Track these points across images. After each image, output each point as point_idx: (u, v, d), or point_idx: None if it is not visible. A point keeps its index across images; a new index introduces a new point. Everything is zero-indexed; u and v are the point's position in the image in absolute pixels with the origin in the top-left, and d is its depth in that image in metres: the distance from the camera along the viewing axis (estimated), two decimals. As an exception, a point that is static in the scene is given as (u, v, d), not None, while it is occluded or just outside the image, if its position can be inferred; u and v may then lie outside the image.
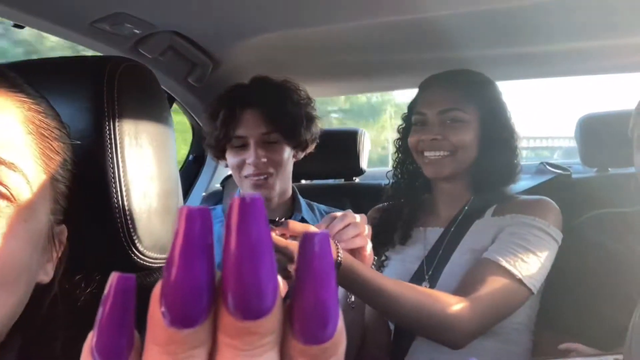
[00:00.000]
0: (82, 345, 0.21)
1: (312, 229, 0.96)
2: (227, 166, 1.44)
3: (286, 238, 0.93)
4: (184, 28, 1.24)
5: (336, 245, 0.95)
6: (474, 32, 1.37)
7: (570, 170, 1.66)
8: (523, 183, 1.42)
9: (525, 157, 1.34)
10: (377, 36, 1.40)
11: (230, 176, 1.81)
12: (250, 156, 1.30)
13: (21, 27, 1.07)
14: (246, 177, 1.34)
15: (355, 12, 1.24)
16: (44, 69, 0.62)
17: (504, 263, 1.10)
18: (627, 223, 1.25)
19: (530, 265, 1.11)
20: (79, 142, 0.54)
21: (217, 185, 1.94)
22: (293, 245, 0.93)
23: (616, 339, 1.07)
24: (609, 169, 1.62)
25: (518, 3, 1.19)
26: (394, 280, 1.04)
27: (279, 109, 1.31)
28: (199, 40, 1.32)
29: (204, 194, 1.93)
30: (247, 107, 1.31)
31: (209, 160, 1.97)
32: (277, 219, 1.00)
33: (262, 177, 1.32)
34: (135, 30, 1.11)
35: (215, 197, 1.80)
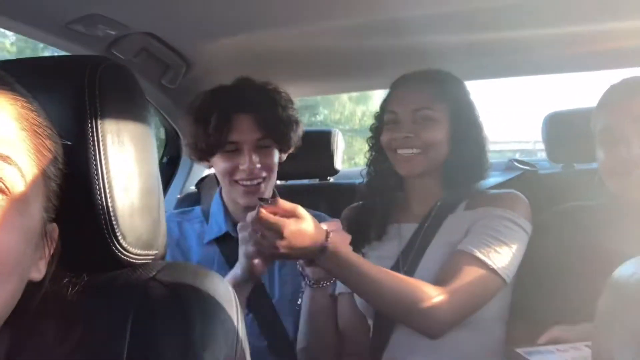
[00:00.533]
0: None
1: (300, 208, 1.00)
2: (209, 167, 1.44)
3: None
4: (158, 29, 1.24)
5: (326, 230, 1.01)
6: (445, 31, 1.40)
7: (537, 166, 1.72)
8: (493, 180, 1.46)
9: (491, 157, 1.37)
10: (350, 36, 1.43)
11: (205, 178, 1.81)
12: (244, 162, 1.30)
13: None
14: (237, 181, 1.33)
15: (328, 13, 1.26)
16: (25, 68, 0.62)
17: (478, 254, 1.14)
18: (593, 216, 1.30)
19: (503, 255, 1.15)
20: (69, 143, 0.54)
21: (192, 187, 1.93)
22: (282, 222, 0.97)
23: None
24: (575, 164, 1.67)
25: (487, 5, 1.22)
26: (378, 266, 1.08)
27: (271, 114, 1.32)
28: (172, 42, 1.32)
29: (178, 196, 1.92)
30: (240, 112, 1.30)
31: (184, 163, 1.97)
32: (267, 199, 1.03)
33: (255, 183, 1.32)
34: (110, 32, 1.11)
35: (191, 199, 1.79)
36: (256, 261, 1.10)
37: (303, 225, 0.99)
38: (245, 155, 1.30)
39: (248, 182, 1.32)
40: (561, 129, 1.62)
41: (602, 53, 1.61)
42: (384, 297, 1.09)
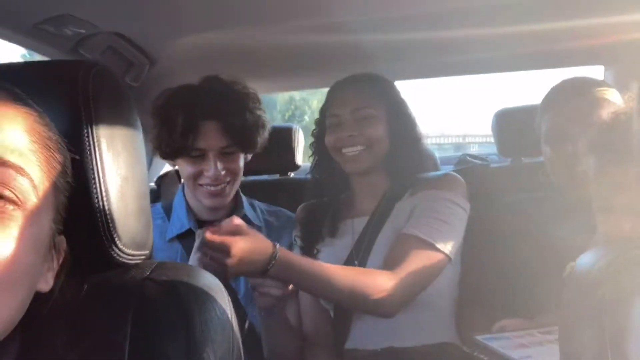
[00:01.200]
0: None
1: (243, 225, 1.04)
2: (174, 166, 1.44)
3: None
4: (124, 28, 1.23)
5: (273, 243, 1.06)
6: (383, 34, 1.46)
7: (489, 160, 1.81)
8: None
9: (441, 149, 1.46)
10: (301, 37, 1.47)
11: (165, 175, 1.81)
12: (210, 169, 1.30)
13: None
14: (201, 185, 1.34)
15: (284, 14, 1.30)
16: (16, 74, 0.62)
17: (421, 235, 1.22)
18: (540, 207, 1.39)
19: (445, 233, 1.24)
20: (77, 157, 0.55)
21: (152, 184, 1.91)
22: (228, 240, 1.00)
23: (534, 310, 1.21)
24: (522, 158, 1.76)
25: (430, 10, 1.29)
26: (327, 265, 1.14)
27: (239, 121, 1.31)
28: (137, 40, 1.31)
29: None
30: (207, 119, 1.29)
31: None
32: (213, 222, 1.05)
33: (219, 188, 1.33)
34: (79, 31, 1.10)
35: (151, 195, 1.77)
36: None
37: (249, 241, 1.03)
38: (211, 161, 1.31)
39: (212, 188, 1.33)
40: (510, 124, 1.71)
41: (535, 54, 1.71)
42: (339, 294, 1.15)
